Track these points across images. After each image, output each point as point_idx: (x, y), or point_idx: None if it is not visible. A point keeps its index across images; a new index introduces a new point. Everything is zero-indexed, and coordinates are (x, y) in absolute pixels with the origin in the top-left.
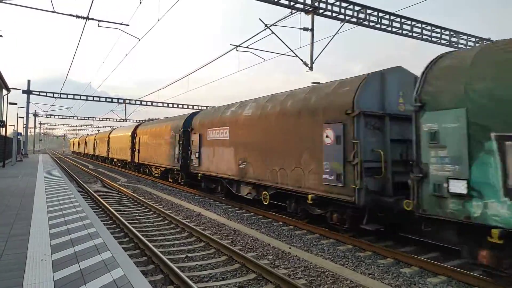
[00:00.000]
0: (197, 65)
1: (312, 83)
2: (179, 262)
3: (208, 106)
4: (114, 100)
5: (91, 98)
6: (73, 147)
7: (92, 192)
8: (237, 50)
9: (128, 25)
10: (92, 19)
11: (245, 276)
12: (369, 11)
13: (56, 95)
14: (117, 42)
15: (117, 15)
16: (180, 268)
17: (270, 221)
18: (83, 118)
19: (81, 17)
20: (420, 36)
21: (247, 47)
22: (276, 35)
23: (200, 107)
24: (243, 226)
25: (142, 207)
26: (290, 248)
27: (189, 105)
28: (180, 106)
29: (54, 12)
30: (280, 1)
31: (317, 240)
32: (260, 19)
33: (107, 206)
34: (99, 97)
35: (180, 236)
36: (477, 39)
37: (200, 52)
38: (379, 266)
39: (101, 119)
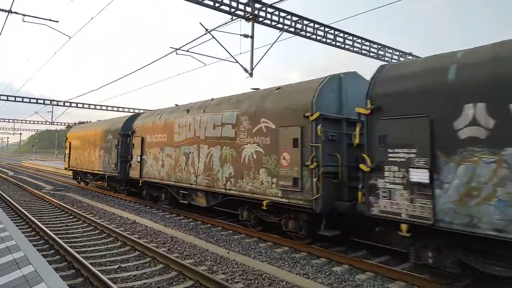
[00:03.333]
0: (134, 67)
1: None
2: (111, 273)
3: (145, 110)
4: (39, 101)
5: (13, 99)
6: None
7: (11, 201)
8: (176, 53)
9: (58, 21)
10: (16, 13)
11: (182, 284)
12: (305, 22)
13: None
14: (44, 40)
15: (46, 11)
16: (112, 279)
17: (209, 227)
18: (2, 120)
19: (3, 10)
20: (352, 48)
21: (187, 51)
22: (216, 40)
23: (137, 110)
24: (180, 232)
25: (70, 217)
26: (228, 252)
27: (124, 108)
28: (115, 109)
29: None
30: (220, 7)
31: (255, 243)
32: (200, 23)
33: (29, 216)
34: (22, 97)
35: (112, 246)
36: (401, 53)
37: (138, 54)
38: (313, 266)
39: (24, 121)
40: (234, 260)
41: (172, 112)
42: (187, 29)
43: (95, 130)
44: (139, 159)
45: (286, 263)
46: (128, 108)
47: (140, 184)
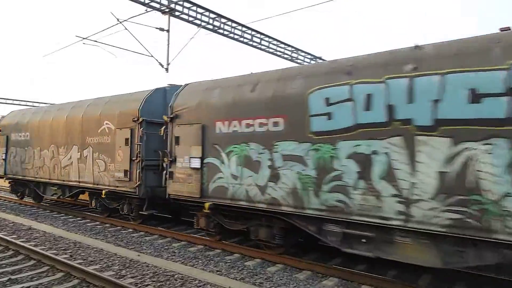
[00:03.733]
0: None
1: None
2: None
3: (49, 103)
4: None
5: None
6: None
7: None
8: (84, 43)
9: None
10: None
11: None
12: (223, 20)
13: None
14: None
15: None
16: None
17: (118, 229)
18: None
19: None
20: (268, 49)
21: (95, 41)
22: (129, 31)
23: (36, 104)
24: (85, 237)
25: None
26: (139, 255)
27: (27, 101)
28: (16, 102)
29: None
30: None
31: (169, 244)
32: (111, 12)
33: None
34: None
35: (2, 256)
36: (312, 57)
37: (40, 41)
38: (227, 262)
39: None
40: (145, 262)
41: (287, 79)
42: (97, 18)
43: (67, 117)
44: (196, 165)
45: (200, 261)
46: (32, 101)
47: (206, 210)
